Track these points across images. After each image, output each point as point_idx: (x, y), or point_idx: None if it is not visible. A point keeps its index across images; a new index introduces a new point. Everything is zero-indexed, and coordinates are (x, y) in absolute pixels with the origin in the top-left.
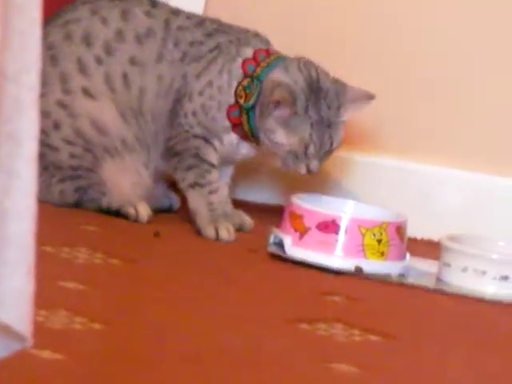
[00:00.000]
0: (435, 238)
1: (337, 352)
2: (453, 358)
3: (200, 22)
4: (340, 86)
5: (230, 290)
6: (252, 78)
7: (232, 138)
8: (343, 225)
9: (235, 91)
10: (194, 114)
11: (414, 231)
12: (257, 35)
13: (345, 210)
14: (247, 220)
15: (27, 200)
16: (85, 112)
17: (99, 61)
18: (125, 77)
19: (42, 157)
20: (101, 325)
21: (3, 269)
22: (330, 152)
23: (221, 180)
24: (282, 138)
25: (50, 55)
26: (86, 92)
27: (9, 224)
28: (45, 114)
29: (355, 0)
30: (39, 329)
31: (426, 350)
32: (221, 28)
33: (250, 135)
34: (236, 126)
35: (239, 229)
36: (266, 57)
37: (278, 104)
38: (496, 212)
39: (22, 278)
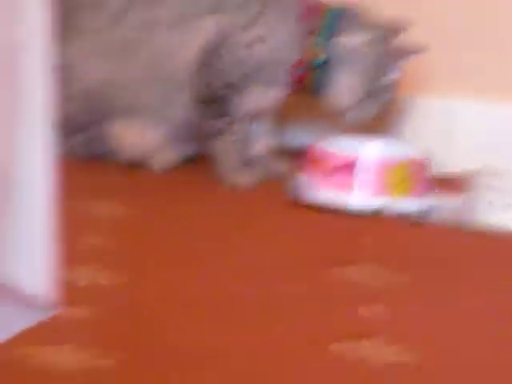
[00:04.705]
0: (460, 173)
1: (367, 294)
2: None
3: None
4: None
5: (252, 238)
6: (315, 34)
7: (279, 92)
8: (365, 165)
9: (301, 48)
10: (240, 63)
11: (438, 167)
12: None
13: (367, 149)
14: (283, 167)
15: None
16: (94, 73)
17: (115, 22)
18: (135, 42)
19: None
20: (126, 278)
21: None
22: None
23: (259, 134)
24: None
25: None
26: (100, 51)
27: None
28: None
29: None
30: (65, 286)
31: (456, 287)
32: None
33: (311, 91)
34: (293, 84)
35: (276, 177)
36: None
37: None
38: None
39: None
